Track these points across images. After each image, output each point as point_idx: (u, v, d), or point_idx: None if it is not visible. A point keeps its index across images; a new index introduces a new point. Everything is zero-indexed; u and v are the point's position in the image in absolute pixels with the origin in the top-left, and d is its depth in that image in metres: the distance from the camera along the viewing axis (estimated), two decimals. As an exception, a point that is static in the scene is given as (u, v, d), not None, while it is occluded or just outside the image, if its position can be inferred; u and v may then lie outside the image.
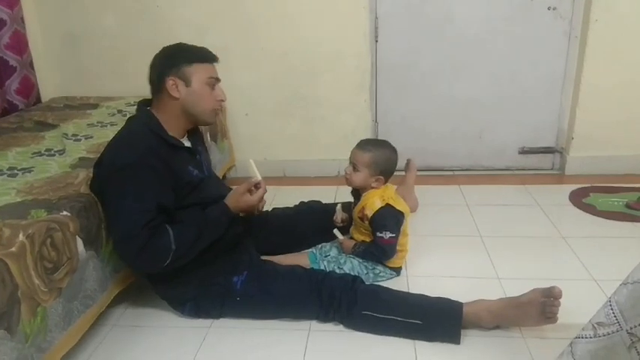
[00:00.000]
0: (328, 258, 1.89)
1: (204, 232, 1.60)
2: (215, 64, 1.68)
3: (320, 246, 1.97)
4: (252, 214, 1.77)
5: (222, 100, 1.69)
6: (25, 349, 1.25)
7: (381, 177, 1.83)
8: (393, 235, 1.79)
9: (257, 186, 1.70)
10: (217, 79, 1.67)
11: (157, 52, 1.66)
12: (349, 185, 1.90)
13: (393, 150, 1.87)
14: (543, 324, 1.53)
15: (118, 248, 1.58)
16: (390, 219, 1.80)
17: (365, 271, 1.84)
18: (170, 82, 1.59)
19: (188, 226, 1.58)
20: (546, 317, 1.50)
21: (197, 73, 1.61)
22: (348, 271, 1.82)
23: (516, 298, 1.57)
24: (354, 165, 1.84)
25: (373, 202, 1.81)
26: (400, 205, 1.84)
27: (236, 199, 1.68)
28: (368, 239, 1.86)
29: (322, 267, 1.86)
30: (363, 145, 1.85)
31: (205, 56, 1.65)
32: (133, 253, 1.51)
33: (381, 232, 1.78)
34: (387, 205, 1.80)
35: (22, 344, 1.25)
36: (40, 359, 1.31)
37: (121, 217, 1.51)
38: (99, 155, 1.63)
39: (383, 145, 1.88)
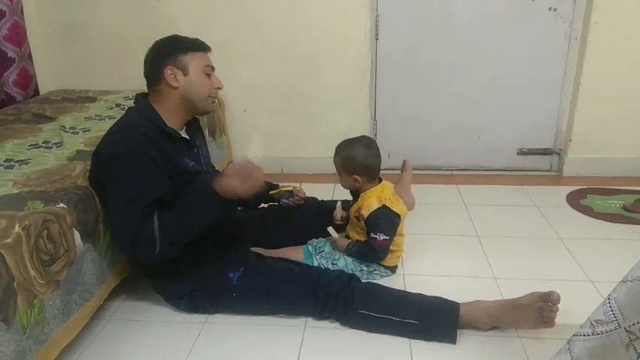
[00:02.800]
0: (322, 254, 1.89)
1: (194, 223, 1.52)
2: (209, 53, 1.69)
3: (315, 242, 1.97)
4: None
5: (220, 88, 1.71)
6: (22, 340, 1.25)
7: (357, 176, 1.81)
8: (387, 237, 1.78)
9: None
10: (212, 68, 1.69)
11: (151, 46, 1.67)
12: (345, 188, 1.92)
13: (366, 145, 1.83)
14: (540, 328, 1.53)
15: (115, 237, 1.59)
16: (385, 221, 1.79)
17: (359, 268, 1.84)
18: (168, 72, 1.60)
19: (181, 214, 1.51)
20: (543, 322, 1.50)
21: (193, 61, 1.63)
22: (342, 268, 1.82)
23: (514, 301, 1.57)
24: (337, 171, 1.87)
25: (370, 203, 1.80)
26: (397, 207, 1.84)
27: (240, 193, 1.51)
28: (363, 239, 1.85)
29: (316, 262, 1.86)
30: (337, 148, 1.87)
31: (199, 46, 1.67)
32: (127, 241, 1.49)
33: (375, 234, 1.78)
34: (384, 206, 1.79)
35: (20, 336, 1.24)
36: (38, 351, 1.31)
37: (117, 205, 1.51)
38: (96, 146, 1.62)
39: (353, 143, 1.85)
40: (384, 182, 1.88)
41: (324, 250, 1.91)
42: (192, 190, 1.58)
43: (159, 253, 1.48)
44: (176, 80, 1.61)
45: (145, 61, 1.65)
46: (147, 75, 1.66)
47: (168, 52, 1.62)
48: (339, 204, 1.98)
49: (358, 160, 1.80)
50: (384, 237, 1.77)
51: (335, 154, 1.87)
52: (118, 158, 1.51)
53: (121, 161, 1.50)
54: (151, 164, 1.52)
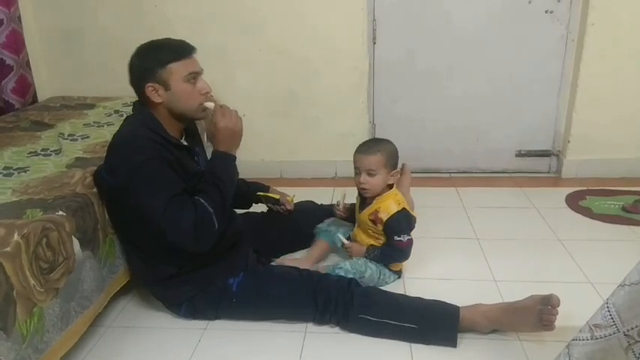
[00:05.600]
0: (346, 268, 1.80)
1: (222, 186, 1.58)
2: (195, 54, 1.60)
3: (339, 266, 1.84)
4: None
5: (208, 93, 1.63)
6: (22, 349, 1.25)
7: (396, 170, 1.84)
8: (411, 237, 1.80)
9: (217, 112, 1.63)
10: (197, 73, 1.60)
11: (133, 53, 1.60)
12: (369, 195, 1.83)
13: (391, 141, 1.87)
14: (540, 331, 1.52)
15: (172, 232, 1.49)
16: (405, 222, 1.81)
17: (378, 276, 1.83)
18: (150, 89, 1.56)
19: (208, 188, 1.56)
20: (543, 325, 1.49)
21: (174, 73, 1.55)
22: (368, 278, 1.78)
23: (513, 304, 1.57)
24: (368, 172, 1.79)
25: (388, 206, 1.80)
26: (412, 211, 1.87)
27: (219, 138, 1.61)
28: (375, 242, 1.85)
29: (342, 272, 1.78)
30: (368, 149, 1.81)
31: (180, 52, 1.57)
32: (191, 235, 1.49)
33: (399, 236, 1.78)
34: (404, 209, 1.81)
35: (19, 345, 1.24)
36: (37, 360, 1.31)
37: (160, 210, 1.48)
38: (105, 159, 1.62)
39: (382, 141, 1.87)
40: (396, 187, 1.89)
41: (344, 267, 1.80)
42: (209, 164, 1.65)
43: (217, 228, 1.54)
44: (158, 96, 1.56)
45: (128, 72, 1.60)
46: (132, 87, 1.62)
47: (146, 69, 1.55)
48: (343, 194, 1.98)
49: (397, 154, 1.84)
50: (408, 237, 1.79)
51: (373, 154, 1.78)
52: (142, 166, 1.49)
53: (148, 167, 1.49)
54: (167, 166, 1.53)
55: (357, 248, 1.86)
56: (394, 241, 1.79)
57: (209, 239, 1.55)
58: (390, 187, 1.86)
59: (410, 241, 1.81)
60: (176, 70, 1.55)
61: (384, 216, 1.79)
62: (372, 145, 1.84)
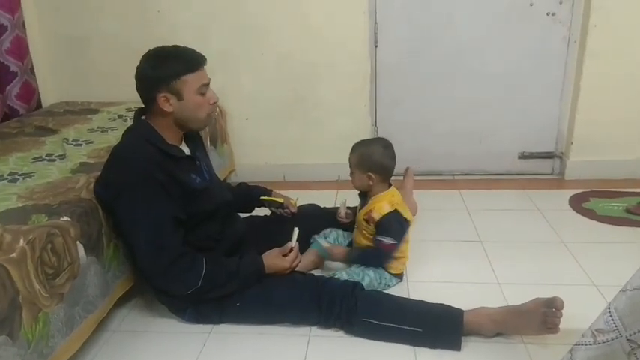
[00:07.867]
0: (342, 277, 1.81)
1: (233, 281, 1.64)
2: (205, 65, 1.61)
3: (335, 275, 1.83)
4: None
5: (215, 102, 1.66)
6: (27, 354, 1.26)
7: (372, 174, 1.81)
8: (395, 242, 1.79)
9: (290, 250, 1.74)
10: (207, 84, 1.62)
11: (141, 59, 1.59)
12: (355, 189, 1.92)
13: (384, 145, 1.84)
14: (544, 334, 1.52)
15: (146, 262, 1.58)
16: (395, 225, 1.80)
17: (379, 282, 1.83)
18: (162, 99, 1.56)
19: (220, 270, 1.63)
20: (547, 327, 1.50)
21: (187, 84, 1.56)
22: (367, 285, 1.78)
23: (517, 307, 1.56)
24: (350, 169, 1.86)
25: (381, 207, 1.80)
26: (407, 214, 1.85)
27: (272, 259, 1.71)
28: (371, 243, 1.85)
29: (346, 276, 1.81)
30: (353, 146, 1.87)
31: (193, 64, 1.58)
32: (163, 265, 1.54)
33: (382, 236, 1.78)
34: (396, 210, 1.80)
35: (25, 350, 1.25)
36: (42, 365, 1.31)
37: (145, 230, 1.54)
38: (101, 172, 1.64)
39: (371, 142, 1.88)
40: (393, 188, 1.88)
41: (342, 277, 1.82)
42: (247, 259, 1.70)
43: (190, 294, 1.60)
44: (170, 105, 1.57)
45: (137, 79, 1.59)
46: (140, 94, 1.62)
47: (161, 78, 1.54)
48: (343, 201, 1.99)
49: (375, 158, 1.81)
50: (392, 241, 1.78)
51: (351, 153, 1.85)
52: (132, 186, 1.52)
53: (137, 188, 1.52)
54: (162, 189, 1.54)
55: (336, 250, 1.88)
56: (376, 240, 1.79)
57: (175, 285, 1.61)
58: (388, 186, 1.86)
59: (391, 246, 1.78)
60: (190, 81, 1.56)
61: (376, 216, 1.79)
62: (358, 144, 1.87)
